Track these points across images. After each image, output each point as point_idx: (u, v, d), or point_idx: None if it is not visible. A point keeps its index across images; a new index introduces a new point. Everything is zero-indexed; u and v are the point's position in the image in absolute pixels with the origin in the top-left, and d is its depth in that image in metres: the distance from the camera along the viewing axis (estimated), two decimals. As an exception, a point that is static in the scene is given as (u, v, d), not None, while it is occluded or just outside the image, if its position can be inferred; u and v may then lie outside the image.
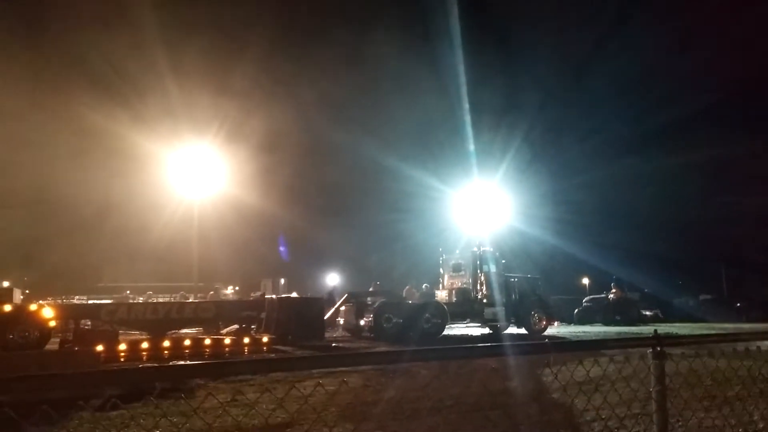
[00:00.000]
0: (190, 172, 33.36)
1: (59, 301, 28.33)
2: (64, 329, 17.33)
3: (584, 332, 24.79)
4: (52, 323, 15.70)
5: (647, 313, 36.93)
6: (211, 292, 37.64)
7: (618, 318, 31.98)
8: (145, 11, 46.70)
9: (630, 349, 4.34)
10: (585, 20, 74.70)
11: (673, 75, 75.54)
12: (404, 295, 22.72)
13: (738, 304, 39.51)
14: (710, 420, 5.59)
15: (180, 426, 5.29)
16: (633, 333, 22.19)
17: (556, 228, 48.22)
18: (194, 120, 41.44)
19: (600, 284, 35.91)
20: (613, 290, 34.26)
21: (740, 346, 6.03)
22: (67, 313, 16.99)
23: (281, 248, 51.68)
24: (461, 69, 38.08)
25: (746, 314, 37.08)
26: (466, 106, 38.87)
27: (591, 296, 35.63)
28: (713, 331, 20.73)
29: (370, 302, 20.88)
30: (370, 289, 23.78)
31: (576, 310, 33.37)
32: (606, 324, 30.96)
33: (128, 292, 42.50)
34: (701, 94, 70.32)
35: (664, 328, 20.33)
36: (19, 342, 14.76)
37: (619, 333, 23.22)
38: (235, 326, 18.46)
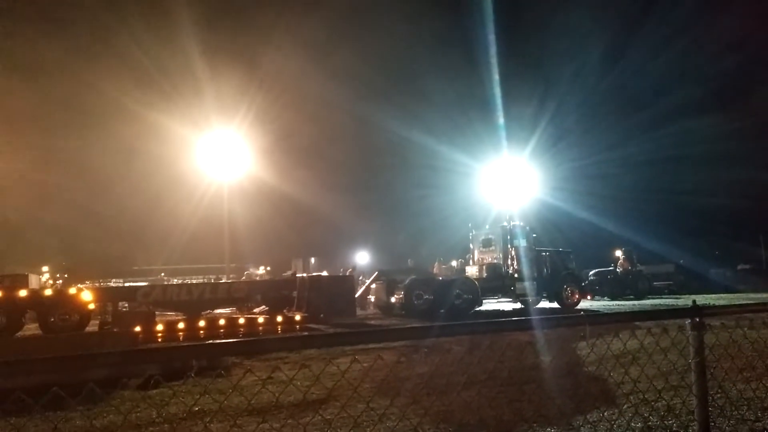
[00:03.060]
0: (218, 155, 33.72)
1: (97, 284, 29.20)
2: (103, 311, 17.84)
3: (618, 305, 24.53)
4: (91, 306, 16.16)
5: (662, 285, 34.43)
6: (247, 272, 38.25)
7: (628, 292, 29.76)
8: (175, -4, 46.89)
9: (666, 321, 4.26)
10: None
11: (711, 46, 72.85)
12: (434, 270, 22.74)
13: (778, 273, 38.51)
14: (751, 391, 5.47)
15: (220, 403, 5.41)
16: (668, 305, 21.87)
17: (589, 202, 47.37)
18: (222, 103, 41.77)
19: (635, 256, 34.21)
20: (621, 262, 31.76)
21: (782, 316, 5.88)
22: (105, 296, 17.49)
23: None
24: (491, 41, 37.31)
25: (786, 283, 36.10)
26: (496, 78, 38.11)
27: (597, 269, 32.08)
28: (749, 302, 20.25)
29: (400, 280, 20.94)
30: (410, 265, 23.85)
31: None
32: (612, 298, 28.95)
33: (162, 274, 43.43)
34: (737, 65, 67.84)
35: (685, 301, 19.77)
36: (60, 325, 15.25)
37: (654, 305, 22.93)
38: (264, 307, 18.75)
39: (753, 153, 65.56)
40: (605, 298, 29.68)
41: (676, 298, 28.09)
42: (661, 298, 29.43)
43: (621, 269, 31.58)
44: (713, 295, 26.29)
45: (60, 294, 16.49)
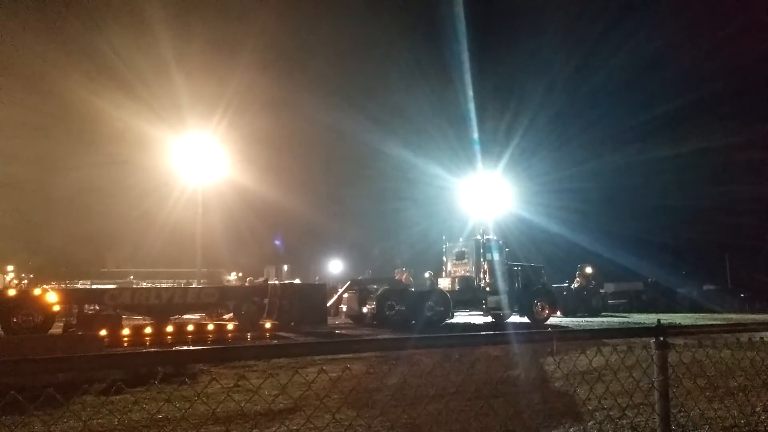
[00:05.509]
0: (194, 159, 33.36)
1: (63, 285, 28.54)
2: (68, 314, 17.43)
3: (587, 322, 24.84)
4: (56, 308, 15.79)
5: (617, 303, 34.84)
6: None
7: (582, 308, 29.62)
8: (150, -2, 46.39)
9: (632, 339, 4.32)
10: (590, 9, 74.05)
11: (676, 64, 74.92)
12: (403, 281, 22.77)
13: (742, 294, 39.41)
14: (713, 411, 5.58)
15: (183, 411, 5.32)
16: (636, 323, 22.23)
17: (561, 216, 48.01)
18: (198, 106, 41.35)
19: (605, 273, 34.42)
20: (577, 279, 31.68)
21: (743, 337, 6.02)
22: (71, 298, 17.08)
23: (277, 242, 51.99)
24: (466, 57, 37.98)
25: (750, 304, 36.99)
26: (471, 94, 38.72)
27: (553, 285, 30.38)
28: (712, 322, 20.74)
29: (373, 289, 20.89)
30: (359, 278, 23.92)
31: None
32: (565, 315, 28.60)
33: (132, 277, 42.63)
34: (705, 83, 69.66)
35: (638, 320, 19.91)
36: (23, 326, 14.85)
37: (622, 323, 23.27)
38: (230, 315, 18.51)
39: (724, 173, 67.35)
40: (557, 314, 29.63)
41: (624, 317, 28.56)
42: (615, 315, 29.68)
43: (577, 285, 31.59)
44: (678, 315, 26.80)
45: (24, 294, 16.08)
